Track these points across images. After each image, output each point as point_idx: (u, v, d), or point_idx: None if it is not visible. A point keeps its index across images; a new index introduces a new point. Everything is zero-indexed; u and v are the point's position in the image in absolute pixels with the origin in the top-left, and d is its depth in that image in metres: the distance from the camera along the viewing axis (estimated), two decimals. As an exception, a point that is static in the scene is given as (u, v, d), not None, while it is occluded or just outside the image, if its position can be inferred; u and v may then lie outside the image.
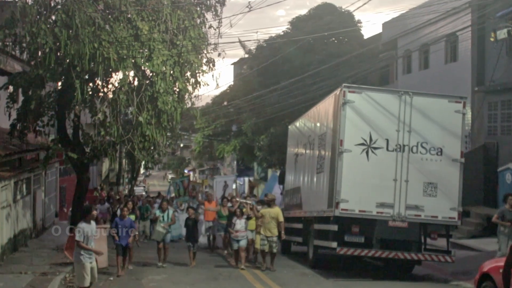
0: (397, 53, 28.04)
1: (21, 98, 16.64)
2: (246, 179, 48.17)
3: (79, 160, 16.16)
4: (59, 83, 16.65)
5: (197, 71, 15.96)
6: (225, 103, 41.60)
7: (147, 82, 15.19)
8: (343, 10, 32.33)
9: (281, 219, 15.60)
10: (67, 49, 13.79)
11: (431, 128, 14.18)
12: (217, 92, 41.86)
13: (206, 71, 16.31)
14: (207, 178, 54.58)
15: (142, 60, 14.92)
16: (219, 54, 16.76)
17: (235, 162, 49.44)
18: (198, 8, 16.24)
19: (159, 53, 14.80)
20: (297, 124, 20.54)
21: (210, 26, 16.54)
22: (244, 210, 16.42)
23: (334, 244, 14.08)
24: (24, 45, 14.97)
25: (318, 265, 15.77)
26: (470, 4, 21.07)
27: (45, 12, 14.26)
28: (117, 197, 25.64)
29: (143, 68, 15.27)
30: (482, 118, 21.18)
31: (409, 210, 13.97)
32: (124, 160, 39.44)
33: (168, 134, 17.68)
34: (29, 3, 14.24)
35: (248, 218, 16.31)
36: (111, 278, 14.10)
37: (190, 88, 16.16)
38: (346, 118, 14.02)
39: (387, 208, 13.94)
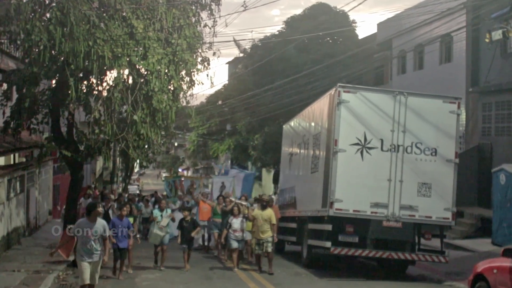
0: (392, 53, 28.04)
1: (15, 95, 16.57)
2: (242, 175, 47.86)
3: (73, 158, 16.08)
4: (54, 81, 16.56)
5: (192, 70, 15.91)
6: (220, 102, 41.59)
7: (142, 80, 15.13)
8: (338, 10, 32.44)
9: (274, 221, 15.12)
10: (61, 47, 13.69)
11: (426, 129, 14.19)
12: (212, 91, 41.90)
13: (201, 70, 16.26)
14: (201, 176, 54.32)
15: (137, 58, 14.84)
16: (214, 53, 16.71)
17: (229, 161, 49.36)
18: (193, 7, 16.20)
19: (154, 51, 14.75)
20: (292, 123, 20.52)
21: (205, 25, 16.51)
22: (241, 209, 16.29)
23: (328, 244, 14.06)
24: (18, 42, 14.88)
25: (312, 265, 15.74)
26: (465, 5, 21.10)
27: (39, 9, 14.16)
28: (113, 197, 25.24)
29: (137, 67, 15.19)
30: (477, 119, 21.21)
31: (403, 210, 13.98)
32: (118, 159, 39.29)
33: (163, 132, 17.58)
34: (24, 0, 14.15)
35: (246, 218, 16.07)
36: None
37: (185, 86, 16.11)
38: (341, 118, 14.02)
39: (381, 208, 13.95)
